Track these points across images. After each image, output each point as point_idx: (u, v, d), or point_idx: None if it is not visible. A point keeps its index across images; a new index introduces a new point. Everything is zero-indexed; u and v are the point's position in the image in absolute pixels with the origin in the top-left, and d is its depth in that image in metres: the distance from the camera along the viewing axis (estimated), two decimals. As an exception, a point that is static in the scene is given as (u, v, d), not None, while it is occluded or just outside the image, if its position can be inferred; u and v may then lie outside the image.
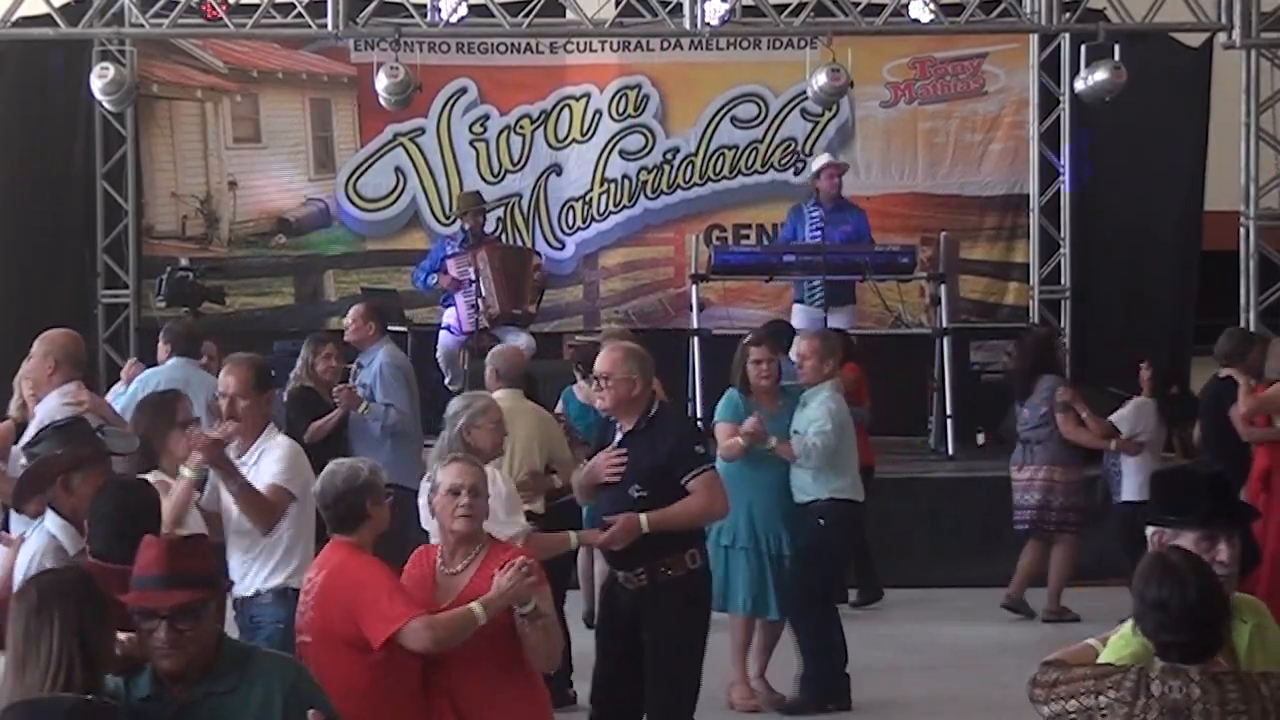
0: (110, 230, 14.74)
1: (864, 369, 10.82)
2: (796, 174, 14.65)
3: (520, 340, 12.34)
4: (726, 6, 12.32)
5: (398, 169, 14.79)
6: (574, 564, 9.52)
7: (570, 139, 14.79)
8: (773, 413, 8.58)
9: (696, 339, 12.84)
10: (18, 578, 5.23)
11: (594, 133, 14.79)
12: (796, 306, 12.87)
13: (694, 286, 13.18)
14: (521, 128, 14.77)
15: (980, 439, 13.27)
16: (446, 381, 12.65)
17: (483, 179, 14.61)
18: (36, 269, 14.10)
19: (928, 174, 14.79)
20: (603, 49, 14.61)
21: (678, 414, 7.81)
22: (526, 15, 12.85)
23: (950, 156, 14.79)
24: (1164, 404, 10.61)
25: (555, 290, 14.34)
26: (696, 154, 14.79)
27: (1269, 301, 12.97)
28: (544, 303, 13.47)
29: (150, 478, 5.83)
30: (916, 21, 12.69)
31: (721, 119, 14.77)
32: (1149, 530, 4.40)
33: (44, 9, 12.65)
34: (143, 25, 12.67)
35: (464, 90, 14.74)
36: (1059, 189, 14.71)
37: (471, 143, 14.77)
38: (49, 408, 7.28)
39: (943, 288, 12.94)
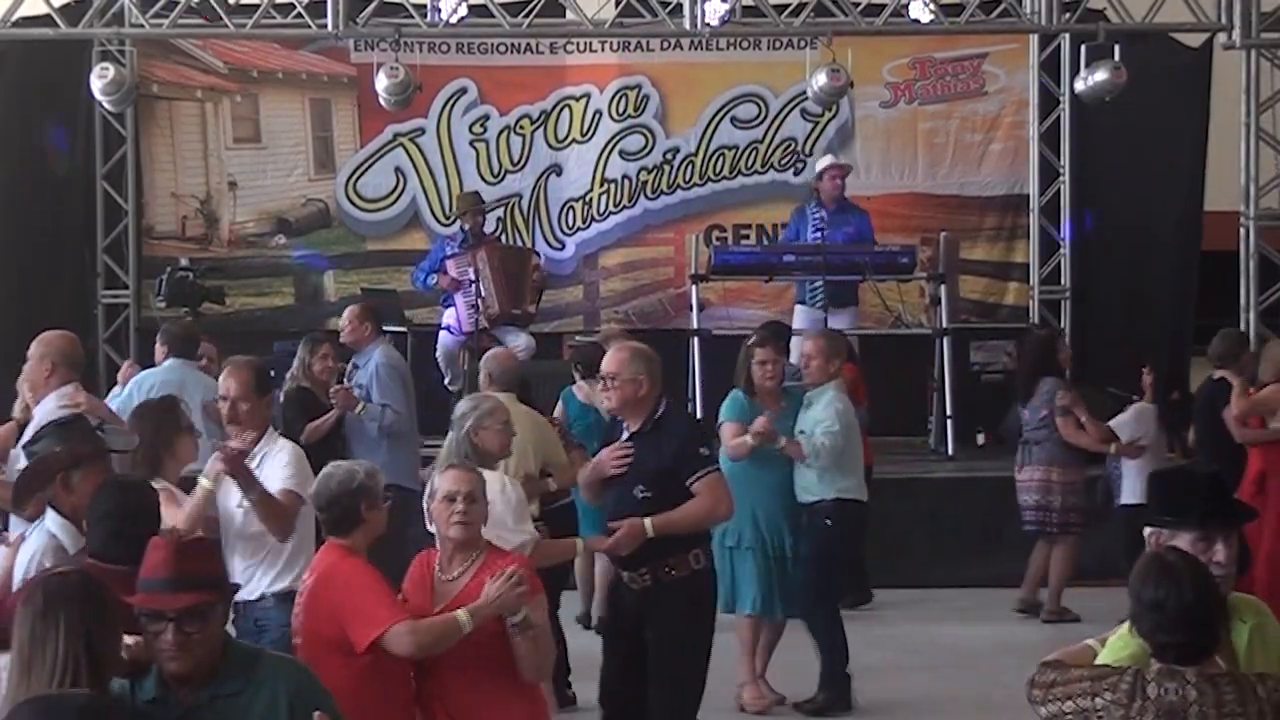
0: (110, 230, 14.74)
1: (862, 370, 10.82)
2: (796, 174, 14.66)
3: (520, 340, 12.37)
4: (726, 6, 12.32)
5: (398, 169, 14.79)
6: (571, 565, 9.52)
7: (570, 139, 14.79)
8: (776, 413, 8.58)
9: (696, 339, 12.83)
10: (18, 577, 5.24)
11: (594, 133, 14.78)
12: (798, 308, 12.89)
13: (694, 287, 13.18)
14: (521, 128, 14.77)
15: (980, 439, 13.28)
16: (446, 382, 12.67)
17: (483, 179, 14.61)
18: (36, 269, 14.08)
19: (928, 174, 14.79)
20: (603, 49, 14.61)
21: (684, 415, 7.80)
22: (526, 15, 12.85)
23: (950, 157, 14.79)
24: (1164, 410, 10.62)
25: (555, 290, 14.34)
26: (696, 154, 14.78)
27: (1269, 301, 12.96)
28: (544, 303, 13.48)
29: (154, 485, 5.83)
30: (916, 22, 12.68)
31: (721, 119, 14.77)
32: (1147, 531, 4.40)
33: (44, 9, 12.64)
34: (143, 25, 12.67)
35: (464, 90, 14.74)
36: (1059, 189, 14.71)
37: (471, 143, 14.77)
38: (46, 410, 7.29)
39: (943, 288, 12.93)
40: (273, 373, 8.58)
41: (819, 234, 12.50)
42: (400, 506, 6.43)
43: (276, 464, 6.54)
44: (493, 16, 12.74)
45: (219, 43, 14.30)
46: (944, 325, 12.90)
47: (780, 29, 13.14)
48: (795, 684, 8.79)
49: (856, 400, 10.01)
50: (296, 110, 14.90)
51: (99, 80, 12.61)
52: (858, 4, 12.74)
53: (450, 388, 12.51)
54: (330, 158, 14.86)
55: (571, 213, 14.83)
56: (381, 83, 12.51)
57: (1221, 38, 12.82)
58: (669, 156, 14.79)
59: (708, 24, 12.37)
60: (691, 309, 13.23)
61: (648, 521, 6.50)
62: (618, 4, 13.36)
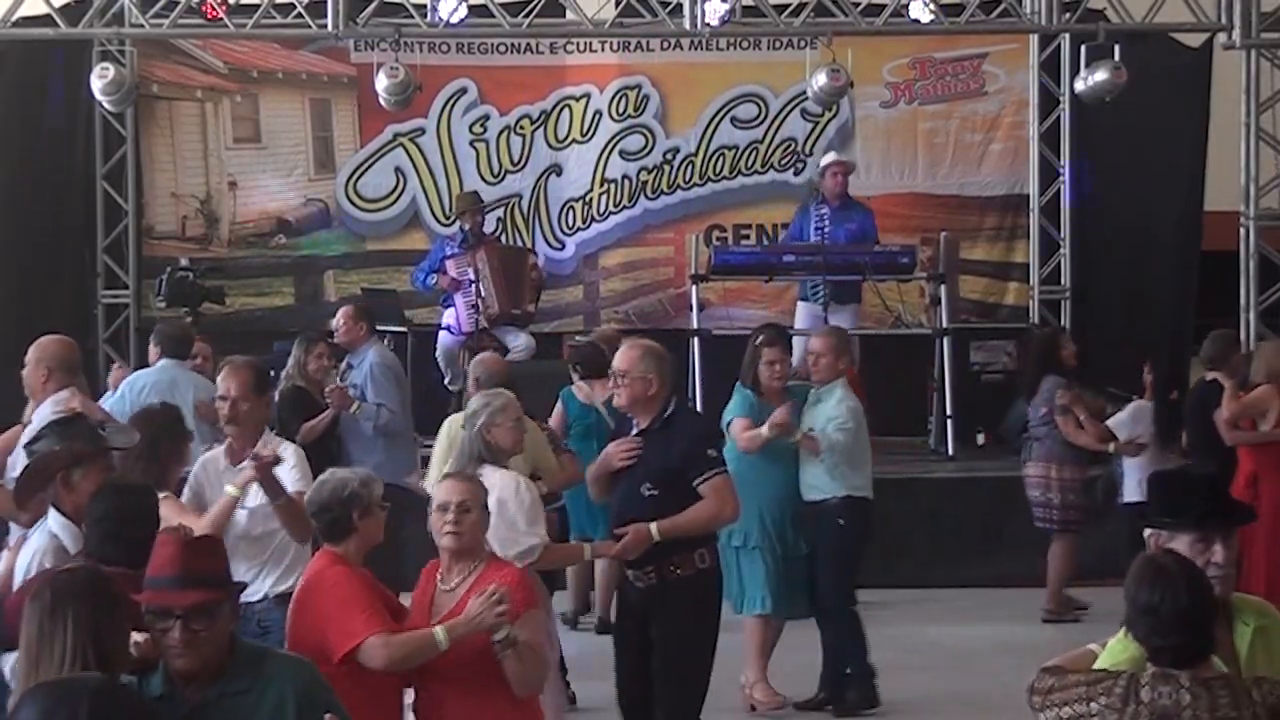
0: (110, 230, 14.73)
1: (862, 369, 10.82)
2: (796, 174, 14.66)
3: (520, 340, 12.39)
4: (726, 6, 12.32)
5: (398, 169, 14.79)
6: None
7: (570, 139, 14.79)
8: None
9: (696, 339, 12.81)
10: (19, 577, 5.24)
11: (594, 133, 14.78)
12: (800, 304, 12.87)
13: (694, 287, 13.16)
14: (521, 128, 14.77)
15: (980, 439, 13.27)
16: (446, 381, 12.67)
17: (483, 179, 14.61)
18: (36, 269, 14.09)
19: (928, 174, 14.79)
20: (603, 49, 14.61)
21: (695, 416, 7.82)
22: (526, 15, 12.85)
23: (950, 156, 14.79)
24: (1163, 408, 10.62)
25: (555, 290, 14.35)
26: (696, 154, 14.78)
27: (1269, 302, 12.97)
28: (544, 303, 13.48)
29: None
30: (916, 22, 12.69)
31: (721, 119, 14.77)
32: (1146, 533, 4.40)
33: (44, 9, 12.65)
34: (143, 25, 12.67)
35: (464, 90, 14.74)
36: (1059, 189, 14.71)
37: (471, 143, 14.76)
38: (43, 416, 7.27)
39: (943, 288, 12.91)
40: (272, 373, 8.59)
41: (820, 232, 12.48)
42: (395, 506, 6.43)
43: (283, 467, 6.55)
44: (493, 16, 12.74)
45: (219, 43, 14.30)
46: (944, 325, 12.89)
47: (780, 29, 13.14)
48: (796, 684, 8.78)
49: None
50: (296, 110, 14.90)
51: (99, 80, 12.61)
52: (858, 4, 12.75)
53: (450, 387, 12.51)
54: (330, 158, 14.86)
55: (571, 213, 14.83)
56: (381, 83, 12.51)
57: (1221, 38, 12.82)
58: (669, 156, 14.79)
59: (708, 24, 12.37)
60: (691, 309, 13.20)
61: (653, 526, 6.50)
62: (618, 4, 13.36)
